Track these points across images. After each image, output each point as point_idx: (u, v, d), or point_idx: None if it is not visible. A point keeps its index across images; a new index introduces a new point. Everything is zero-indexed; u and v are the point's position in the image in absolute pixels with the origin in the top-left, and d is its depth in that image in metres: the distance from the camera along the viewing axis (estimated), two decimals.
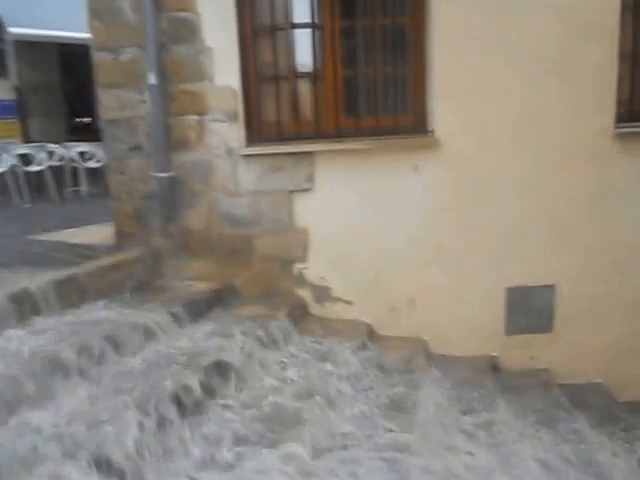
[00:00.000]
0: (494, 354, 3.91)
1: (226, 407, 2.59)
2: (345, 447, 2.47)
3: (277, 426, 2.47)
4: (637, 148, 3.79)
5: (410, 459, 2.39)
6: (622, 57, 3.71)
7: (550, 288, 3.87)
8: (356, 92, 3.85)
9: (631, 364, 3.88)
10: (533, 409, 3.33)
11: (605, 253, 3.85)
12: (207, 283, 3.79)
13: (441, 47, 3.66)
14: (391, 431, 2.64)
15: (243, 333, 3.12)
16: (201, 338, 3.10)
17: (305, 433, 2.42)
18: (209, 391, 2.58)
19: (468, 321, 3.88)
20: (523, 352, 3.92)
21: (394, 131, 3.80)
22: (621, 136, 3.74)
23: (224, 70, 3.69)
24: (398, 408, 2.89)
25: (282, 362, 3.17)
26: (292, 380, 2.97)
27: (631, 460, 2.99)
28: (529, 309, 3.89)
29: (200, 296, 3.60)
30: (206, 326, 3.29)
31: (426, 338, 3.88)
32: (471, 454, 2.68)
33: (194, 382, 2.50)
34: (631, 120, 3.80)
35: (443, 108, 3.72)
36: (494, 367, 3.86)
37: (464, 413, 3.10)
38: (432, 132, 3.77)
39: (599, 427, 3.26)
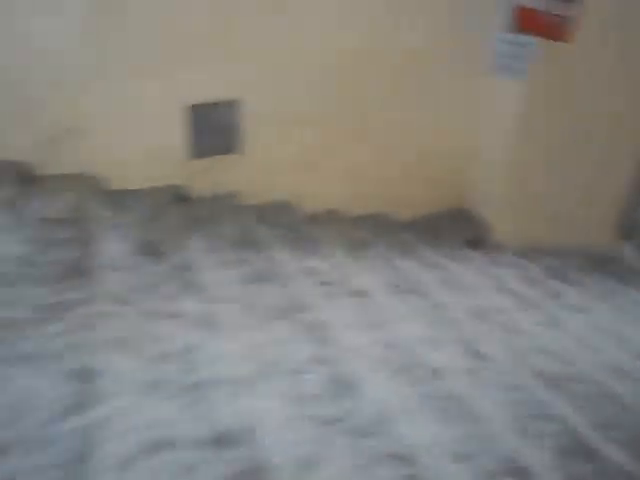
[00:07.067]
0: (179, 182, 3.50)
1: None
2: None
3: None
4: None
5: None
6: None
7: (234, 104, 3.48)
8: None
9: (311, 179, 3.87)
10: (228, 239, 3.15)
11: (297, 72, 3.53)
12: None
13: None
14: None
15: None
16: None
17: None
18: None
19: (146, 148, 3.31)
20: (210, 177, 3.58)
21: None
22: None
23: None
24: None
25: None
26: None
27: None
28: (213, 129, 3.48)
29: None
30: None
31: (98, 173, 3.22)
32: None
33: None
34: None
35: None
36: (181, 197, 3.47)
37: (151, 255, 2.71)
38: None
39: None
